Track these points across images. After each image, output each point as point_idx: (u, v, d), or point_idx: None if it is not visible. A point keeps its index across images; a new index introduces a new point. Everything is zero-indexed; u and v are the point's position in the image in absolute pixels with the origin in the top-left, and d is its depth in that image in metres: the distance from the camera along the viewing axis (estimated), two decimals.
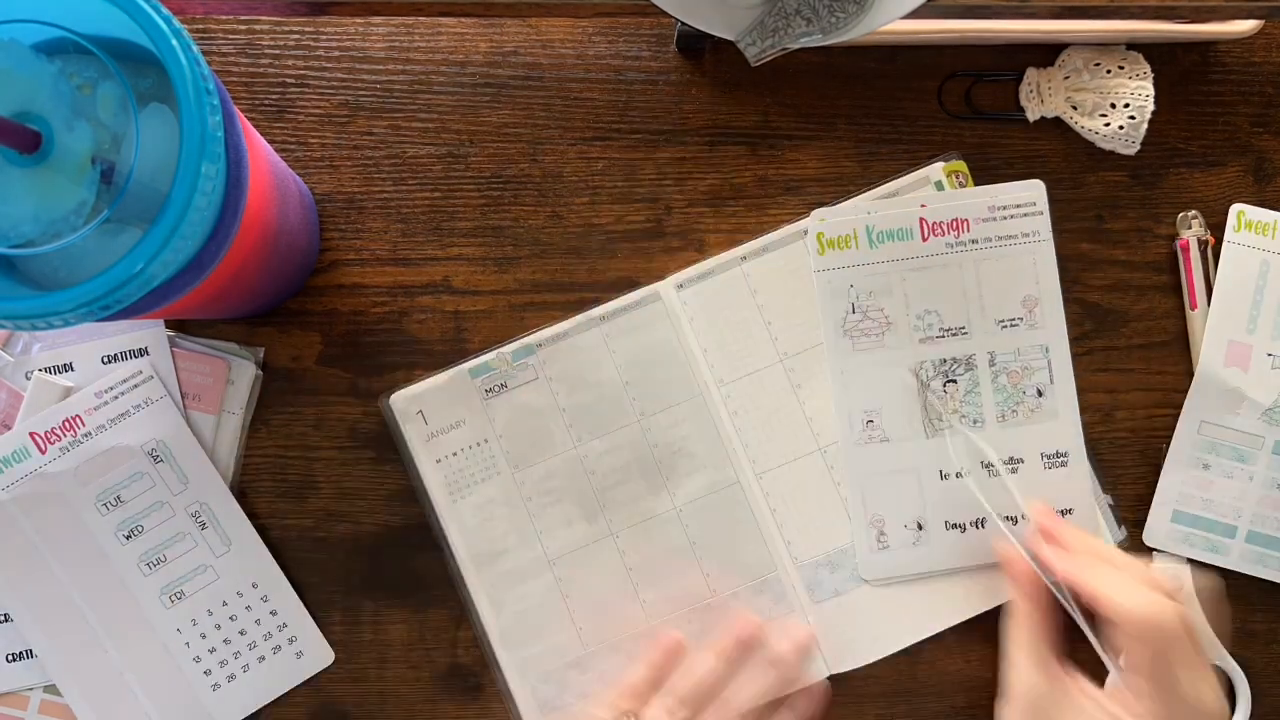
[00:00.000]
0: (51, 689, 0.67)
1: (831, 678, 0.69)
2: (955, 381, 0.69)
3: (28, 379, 0.67)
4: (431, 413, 0.68)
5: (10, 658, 0.67)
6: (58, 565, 0.67)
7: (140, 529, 0.67)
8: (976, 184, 0.69)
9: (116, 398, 0.67)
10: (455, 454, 0.68)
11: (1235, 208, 0.69)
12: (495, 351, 0.68)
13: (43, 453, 0.66)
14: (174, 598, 0.67)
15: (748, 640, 0.66)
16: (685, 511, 0.68)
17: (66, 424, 0.66)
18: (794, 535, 0.68)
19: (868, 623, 0.68)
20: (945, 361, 0.69)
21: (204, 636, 0.68)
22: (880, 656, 0.68)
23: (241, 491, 0.69)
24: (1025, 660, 0.62)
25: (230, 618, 0.68)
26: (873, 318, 0.69)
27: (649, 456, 0.68)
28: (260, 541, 0.68)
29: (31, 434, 0.66)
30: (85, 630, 0.67)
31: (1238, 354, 0.69)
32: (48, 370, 0.67)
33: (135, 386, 0.67)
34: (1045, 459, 0.68)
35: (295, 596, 0.68)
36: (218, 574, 0.68)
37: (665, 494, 0.68)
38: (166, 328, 0.68)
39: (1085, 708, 0.60)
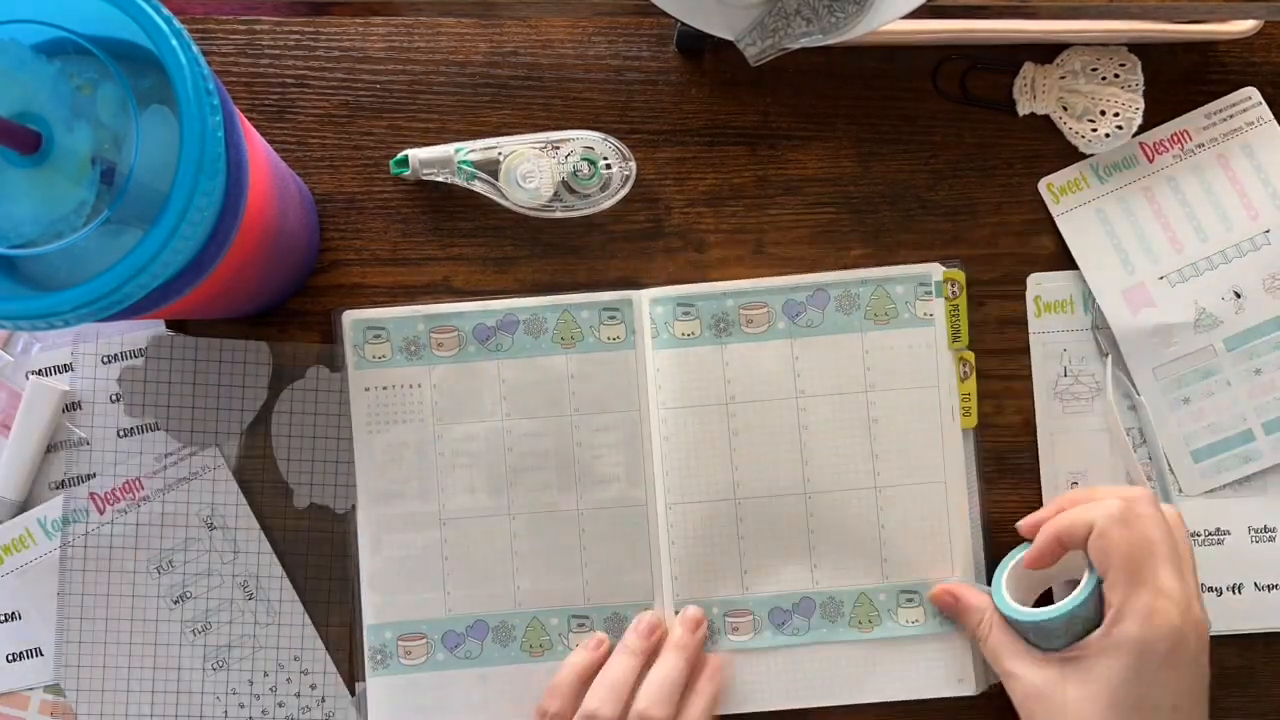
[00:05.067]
0: (52, 689, 0.67)
1: None
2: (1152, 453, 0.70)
3: (28, 379, 0.67)
4: (377, 341, 0.68)
5: (10, 657, 0.67)
6: (104, 624, 0.67)
7: (189, 594, 0.68)
8: (974, 182, 0.69)
9: (176, 463, 0.68)
10: (386, 388, 0.68)
11: (1041, 184, 0.70)
12: (452, 307, 0.68)
13: (101, 513, 0.67)
14: (216, 665, 0.68)
15: (649, 630, 0.66)
16: (586, 515, 0.68)
17: (127, 486, 0.67)
18: (681, 573, 0.68)
19: (730, 678, 0.68)
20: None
21: (243, 706, 0.68)
22: (732, 713, 0.67)
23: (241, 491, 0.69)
24: (1019, 666, 0.62)
25: (270, 689, 0.68)
26: (1084, 382, 0.69)
27: (569, 453, 0.68)
28: (305, 615, 0.68)
29: (92, 494, 0.67)
30: (127, 691, 0.67)
31: (1138, 297, 0.69)
32: (48, 371, 0.67)
33: (194, 454, 0.68)
34: (1252, 532, 0.69)
35: (335, 669, 0.68)
36: (261, 644, 0.68)
37: (573, 493, 0.68)
38: (167, 328, 0.68)
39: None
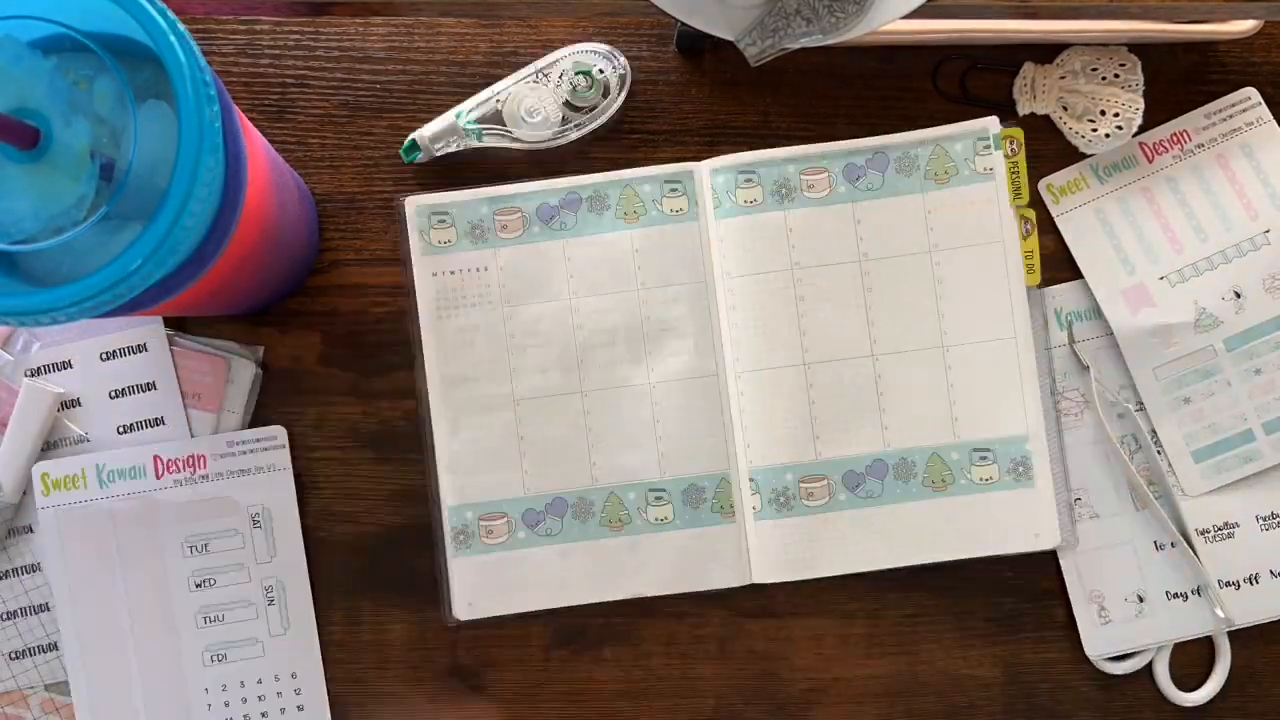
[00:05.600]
0: (54, 687, 0.67)
1: (831, 680, 0.69)
2: (1160, 451, 0.69)
3: (24, 380, 0.67)
4: (441, 226, 0.68)
5: (13, 655, 0.68)
6: (123, 582, 0.67)
7: (212, 582, 0.68)
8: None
9: (244, 454, 0.68)
10: (453, 272, 0.68)
11: (1041, 184, 0.70)
12: (515, 188, 0.68)
13: (158, 477, 0.67)
14: (216, 658, 0.68)
15: None
16: (658, 389, 0.68)
17: (190, 460, 0.67)
18: (755, 439, 0.68)
19: (802, 545, 0.67)
20: (1150, 432, 0.69)
21: (227, 705, 0.68)
22: (803, 578, 0.67)
23: None
24: None
25: (259, 697, 0.68)
26: (1070, 398, 0.69)
27: (638, 327, 0.68)
28: (315, 639, 0.68)
29: (155, 456, 0.67)
30: (121, 653, 0.67)
31: (1138, 297, 0.69)
32: (48, 369, 0.67)
33: (266, 449, 0.68)
34: (1260, 521, 0.69)
35: (327, 704, 0.68)
36: (265, 651, 0.68)
37: (644, 367, 0.68)
38: (166, 326, 0.68)
39: None
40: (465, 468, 0.68)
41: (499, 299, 0.68)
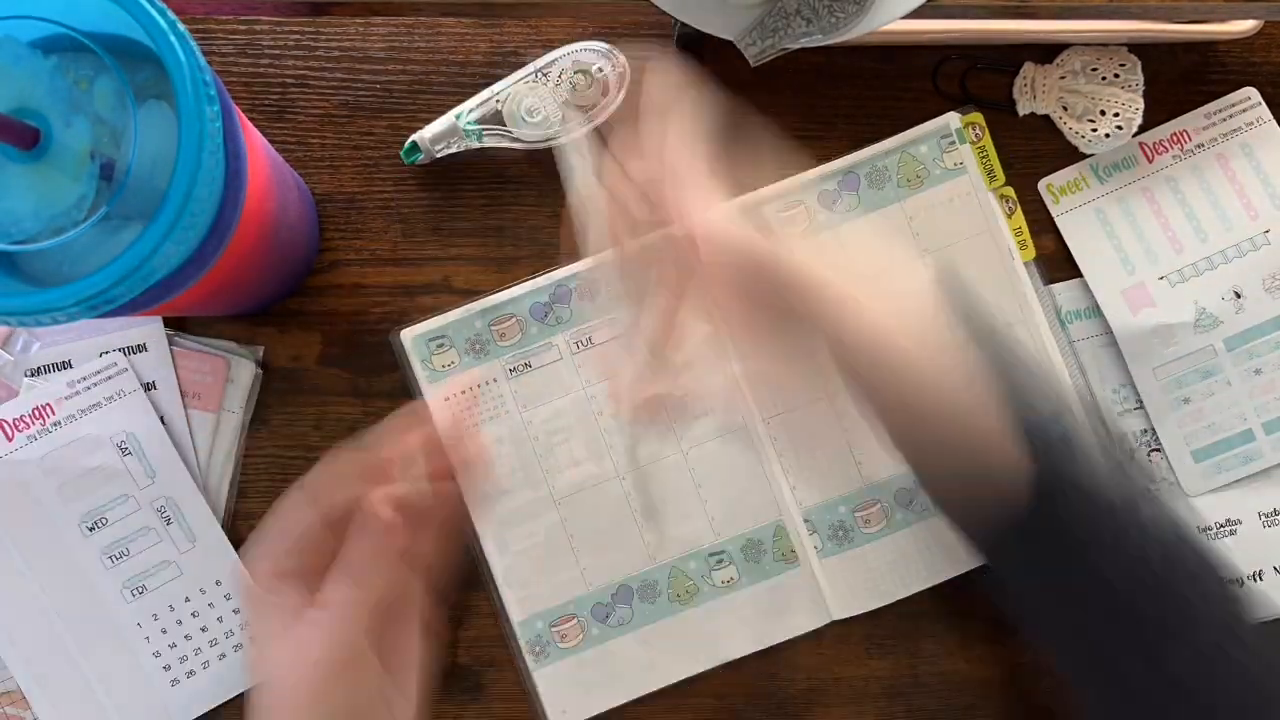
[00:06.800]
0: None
1: (831, 680, 0.69)
2: (1159, 450, 0.69)
3: (28, 377, 0.67)
4: (441, 351, 0.68)
5: None
6: (19, 555, 0.66)
7: (104, 521, 0.67)
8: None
9: (89, 388, 0.67)
10: (464, 392, 0.68)
11: (1041, 184, 0.70)
12: (504, 294, 0.68)
13: (9, 440, 0.66)
14: (135, 591, 0.67)
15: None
16: (692, 455, 0.68)
17: (36, 412, 0.66)
18: (800, 481, 0.68)
19: (872, 572, 0.68)
20: (1146, 432, 0.69)
21: (164, 632, 0.67)
22: (881, 604, 0.68)
23: (241, 491, 0.69)
24: None
25: (192, 614, 0.67)
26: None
27: (658, 399, 0.68)
28: (225, 539, 0.68)
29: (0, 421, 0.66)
30: (45, 621, 0.66)
31: (1137, 297, 0.69)
32: (47, 369, 0.67)
33: (109, 378, 0.67)
34: (1263, 517, 0.69)
35: None
36: (181, 570, 0.67)
37: (672, 437, 0.68)
38: (166, 326, 0.68)
39: None
40: (523, 580, 0.68)
41: (515, 406, 0.68)
